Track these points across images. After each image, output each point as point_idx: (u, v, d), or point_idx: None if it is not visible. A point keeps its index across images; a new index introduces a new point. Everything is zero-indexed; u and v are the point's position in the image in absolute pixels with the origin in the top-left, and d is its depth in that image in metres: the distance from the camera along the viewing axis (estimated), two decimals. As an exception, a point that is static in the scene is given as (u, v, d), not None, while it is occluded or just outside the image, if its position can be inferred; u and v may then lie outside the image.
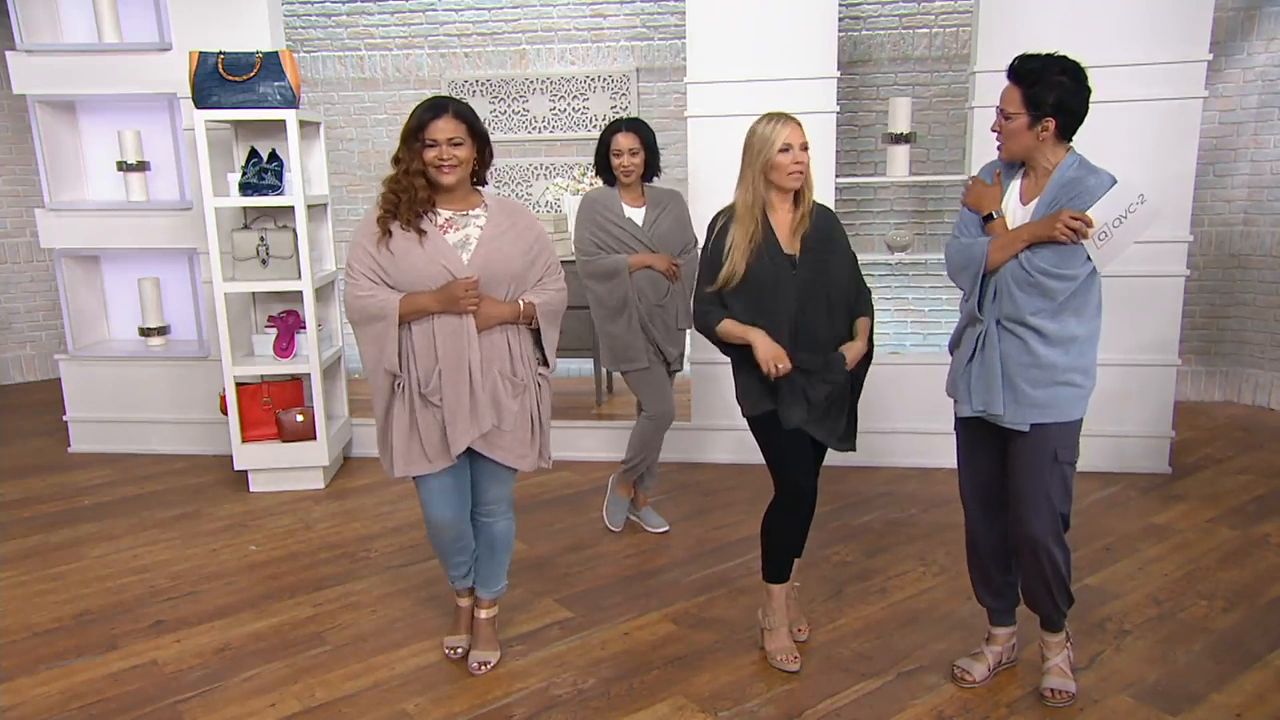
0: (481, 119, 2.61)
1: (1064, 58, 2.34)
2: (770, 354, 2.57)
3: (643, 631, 3.05)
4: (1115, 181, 2.35)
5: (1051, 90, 2.31)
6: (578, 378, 6.04)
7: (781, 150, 2.57)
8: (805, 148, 2.61)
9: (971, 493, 2.64)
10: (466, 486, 2.72)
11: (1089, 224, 2.32)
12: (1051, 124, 2.34)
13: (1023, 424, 2.42)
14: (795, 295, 2.62)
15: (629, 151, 3.49)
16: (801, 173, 2.61)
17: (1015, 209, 2.46)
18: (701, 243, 2.80)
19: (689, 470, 4.52)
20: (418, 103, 2.56)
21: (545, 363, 2.72)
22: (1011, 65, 2.38)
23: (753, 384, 2.67)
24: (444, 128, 2.47)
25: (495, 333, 2.58)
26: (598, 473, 4.38)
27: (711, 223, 2.73)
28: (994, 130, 2.45)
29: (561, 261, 2.81)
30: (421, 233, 2.51)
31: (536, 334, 2.69)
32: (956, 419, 2.61)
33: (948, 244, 2.57)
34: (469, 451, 2.63)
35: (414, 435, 2.59)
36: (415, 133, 2.48)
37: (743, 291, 2.62)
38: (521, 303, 2.60)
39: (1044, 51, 2.37)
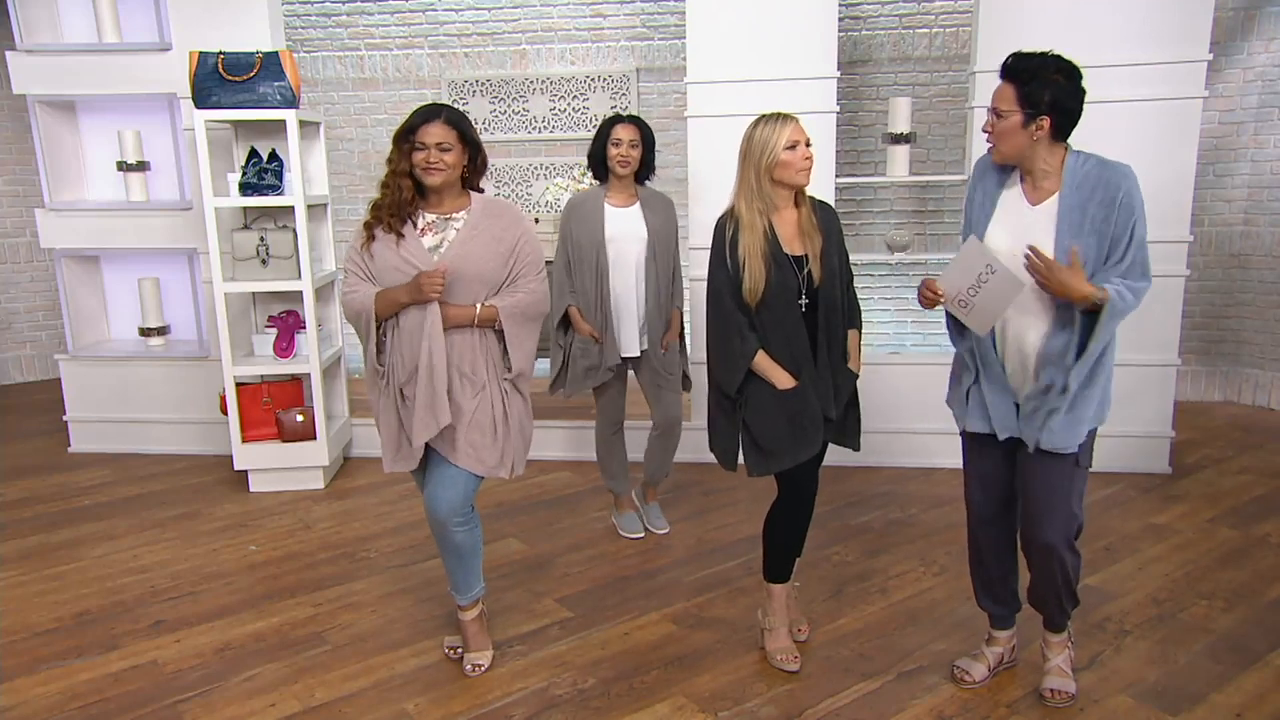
0: (481, 120, 2.63)
1: (1059, 56, 2.29)
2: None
3: (643, 631, 3.05)
4: (1131, 170, 2.30)
5: (1047, 88, 2.24)
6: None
7: (788, 148, 2.55)
8: (810, 144, 2.61)
9: (979, 500, 2.61)
10: None
11: (936, 292, 2.39)
12: (1046, 123, 2.27)
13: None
14: (807, 297, 2.61)
15: (629, 142, 3.44)
16: (810, 169, 2.60)
17: (1021, 212, 2.39)
18: (709, 251, 2.71)
19: (689, 470, 4.52)
20: (418, 104, 2.60)
21: (511, 365, 2.67)
22: (1005, 63, 2.31)
23: (780, 429, 2.61)
24: (434, 132, 2.51)
25: (458, 333, 2.59)
26: (597, 473, 4.37)
27: (719, 232, 2.66)
28: (985, 130, 2.37)
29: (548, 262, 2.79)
30: (400, 235, 2.57)
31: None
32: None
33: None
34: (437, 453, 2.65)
35: (400, 432, 2.65)
36: (406, 134, 2.54)
37: (764, 300, 2.59)
38: (479, 306, 2.59)
39: (1040, 50, 2.31)
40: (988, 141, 2.39)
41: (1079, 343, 2.31)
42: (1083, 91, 2.30)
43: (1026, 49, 2.35)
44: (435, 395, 2.56)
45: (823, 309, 2.63)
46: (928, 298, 2.43)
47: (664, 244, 3.57)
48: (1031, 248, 2.27)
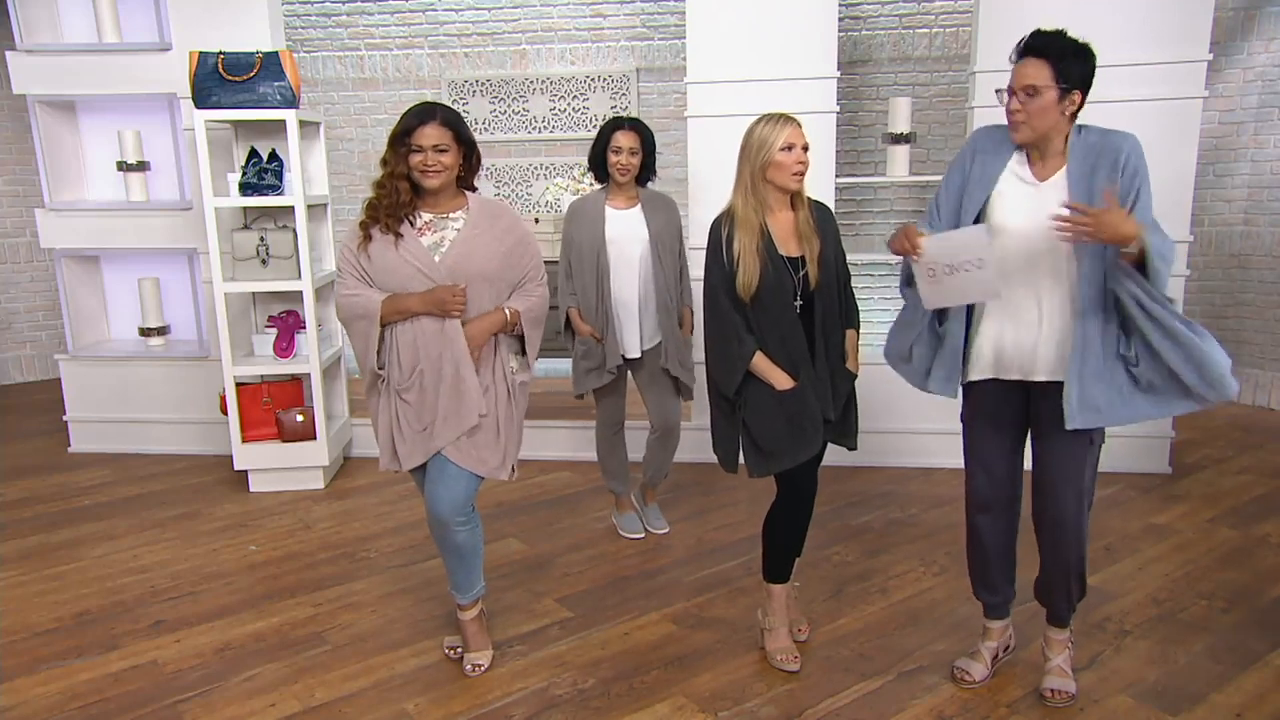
0: (480, 120, 2.64)
1: (1072, 36, 2.28)
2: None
3: (643, 631, 3.05)
4: (1133, 136, 2.29)
5: (1078, 63, 2.26)
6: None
7: (784, 149, 2.55)
8: (807, 149, 2.60)
9: (981, 485, 2.59)
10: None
11: (915, 245, 2.29)
12: (1079, 97, 2.28)
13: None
14: (803, 298, 2.61)
15: (629, 150, 3.44)
16: (803, 173, 2.59)
17: (1031, 190, 2.36)
18: (705, 252, 2.70)
19: (689, 470, 4.52)
20: (411, 106, 2.58)
21: (527, 366, 2.74)
22: (1030, 43, 2.28)
23: (780, 429, 2.61)
24: (430, 134, 2.50)
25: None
26: (597, 473, 4.37)
27: (715, 232, 2.66)
28: (1013, 111, 2.31)
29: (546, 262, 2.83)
30: (399, 235, 2.56)
31: (516, 338, 2.71)
32: (965, 412, 2.58)
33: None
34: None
35: (398, 431, 2.65)
36: (402, 137, 2.52)
37: (759, 298, 2.59)
38: (507, 311, 2.62)
39: (1055, 29, 2.29)
40: (1015, 126, 2.32)
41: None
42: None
43: (1045, 28, 2.31)
44: (461, 402, 2.57)
45: (819, 310, 2.63)
46: (904, 247, 2.35)
47: (667, 245, 3.55)
48: (1064, 204, 2.19)
